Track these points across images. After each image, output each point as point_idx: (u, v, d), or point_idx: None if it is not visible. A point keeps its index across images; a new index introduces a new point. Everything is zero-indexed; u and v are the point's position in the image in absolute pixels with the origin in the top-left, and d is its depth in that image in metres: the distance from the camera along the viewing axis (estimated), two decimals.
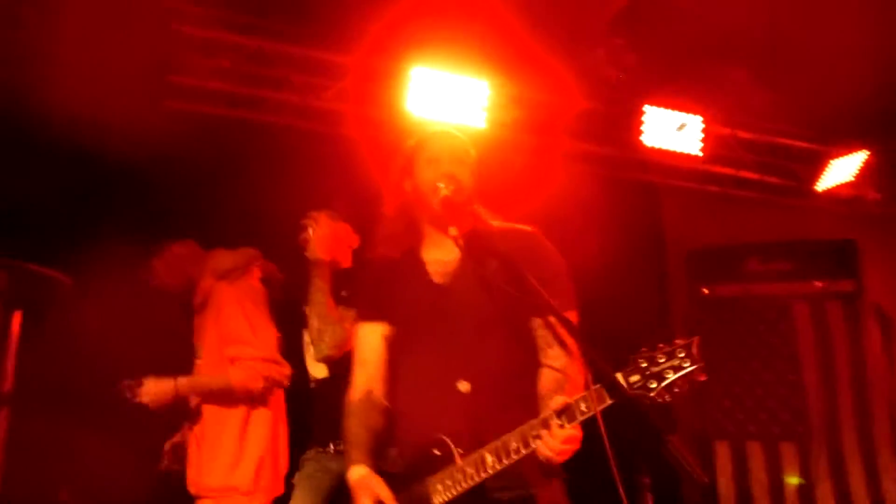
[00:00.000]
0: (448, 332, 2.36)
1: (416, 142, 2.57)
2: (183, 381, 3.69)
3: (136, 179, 4.94)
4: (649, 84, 5.75)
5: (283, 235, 3.75)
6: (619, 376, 2.02)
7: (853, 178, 6.50)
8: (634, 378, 2.00)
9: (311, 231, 3.43)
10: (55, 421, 4.54)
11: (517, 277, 2.26)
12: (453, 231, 2.37)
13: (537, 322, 2.36)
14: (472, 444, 2.19)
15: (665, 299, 6.84)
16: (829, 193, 6.61)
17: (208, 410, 3.77)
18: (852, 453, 6.20)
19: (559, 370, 2.30)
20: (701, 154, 6.00)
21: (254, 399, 3.74)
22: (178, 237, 4.10)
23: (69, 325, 4.26)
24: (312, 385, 3.66)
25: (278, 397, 3.85)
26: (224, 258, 3.93)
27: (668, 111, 5.85)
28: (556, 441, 2.05)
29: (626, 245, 6.09)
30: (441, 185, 2.40)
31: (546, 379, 2.33)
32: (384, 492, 2.22)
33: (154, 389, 3.60)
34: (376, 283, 2.56)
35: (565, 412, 2.06)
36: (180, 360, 3.89)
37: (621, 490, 1.89)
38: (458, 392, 2.29)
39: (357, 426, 2.40)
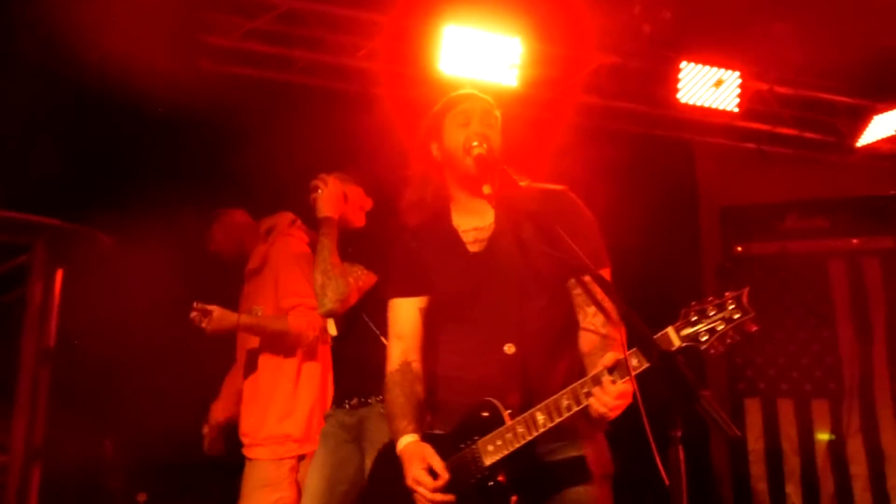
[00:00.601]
0: (491, 299, 2.37)
1: (443, 104, 2.55)
2: (245, 318, 3.84)
3: (172, 140, 5.00)
4: (686, 39, 5.65)
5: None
6: (671, 330, 2.04)
7: (895, 133, 6.38)
8: (687, 331, 2.03)
9: (320, 191, 3.47)
10: (98, 376, 4.68)
11: (552, 237, 2.27)
12: (487, 189, 2.37)
13: (573, 282, 2.38)
14: (521, 405, 2.22)
15: (699, 257, 6.80)
16: (869, 149, 6.49)
17: (263, 362, 3.94)
18: (885, 409, 6.16)
19: (598, 330, 2.32)
20: (737, 110, 5.91)
21: (305, 350, 3.90)
22: (215, 200, 4.18)
23: (111, 283, 4.35)
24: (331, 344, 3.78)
25: (325, 352, 3.98)
26: (269, 222, 4.17)
27: (705, 67, 5.75)
28: (609, 397, 2.08)
29: (659, 203, 6.05)
30: (475, 143, 2.39)
31: (587, 338, 2.35)
32: (434, 459, 2.25)
33: (219, 317, 3.73)
34: (409, 258, 2.55)
35: (616, 368, 2.09)
36: None
37: (652, 443, 1.92)
38: (505, 355, 2.32)
39: (400, 396, 2.43)
